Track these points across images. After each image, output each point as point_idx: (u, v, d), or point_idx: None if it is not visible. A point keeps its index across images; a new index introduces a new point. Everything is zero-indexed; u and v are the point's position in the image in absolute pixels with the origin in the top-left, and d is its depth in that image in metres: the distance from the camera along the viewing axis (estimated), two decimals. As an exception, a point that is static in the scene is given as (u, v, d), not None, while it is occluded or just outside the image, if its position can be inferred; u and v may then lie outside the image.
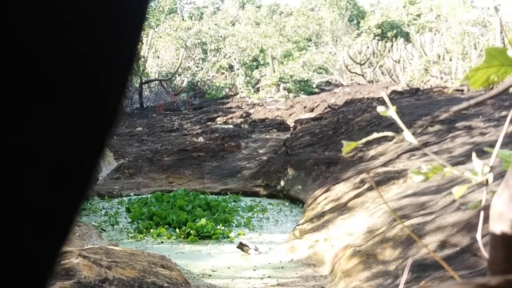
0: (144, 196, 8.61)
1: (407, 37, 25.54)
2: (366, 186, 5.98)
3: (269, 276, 4.80)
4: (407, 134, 1.37)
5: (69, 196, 0.31)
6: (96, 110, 0.31)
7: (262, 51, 23.90)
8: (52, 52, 0.28)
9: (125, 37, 0.32)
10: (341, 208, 5.78)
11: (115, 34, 0.31)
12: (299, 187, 8.32)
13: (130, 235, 6.54)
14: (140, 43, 0.34)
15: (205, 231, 6.42)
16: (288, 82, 19.44)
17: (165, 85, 19.78)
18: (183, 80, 20.36)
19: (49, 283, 0.32)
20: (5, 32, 0.27)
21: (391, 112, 1.35)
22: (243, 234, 6.58)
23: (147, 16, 0.34)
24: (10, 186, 0.28)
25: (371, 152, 7.63)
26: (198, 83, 21.86)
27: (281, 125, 13.80)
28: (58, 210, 0.31)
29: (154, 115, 16.84)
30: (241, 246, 5.72)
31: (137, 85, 18.11)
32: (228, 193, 9.22)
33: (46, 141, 0.29)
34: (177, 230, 6.59)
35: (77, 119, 0.30)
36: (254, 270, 5.05)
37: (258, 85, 20.69)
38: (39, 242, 0.31)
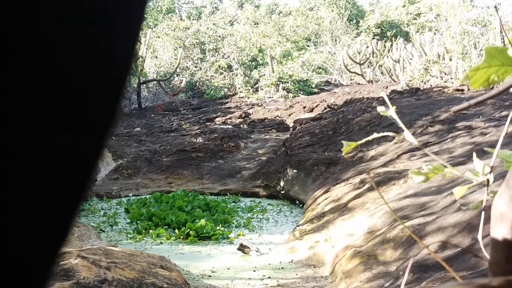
0: (143, 197, 8.60)
1: (406, 37, 25.51)
2: (366, 186, 5.97)
3: (269, 277, 4.80)
4: (407, 134, 1.36)
5: (68, 196, 0.31)
6: (95, 110, 0.31)
7: (261, 51, 23.89)
8: (49, 50, 0.28)
9: (124, 35, 0.32)
10: (342, 209, 5.77)
11: (114, 32, 0.31)
12: (299, 187, 8.32)
13: (129, 235, 6.54)
14: (138, 43, 0.33)
15: (204, 231, 6.41)
16: (287, 82, 19.42)
17: (163, 85, 19.77)
18: (182, 80, 20.33)
19: (48, 283, 0.32)
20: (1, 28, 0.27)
21: (391, 112, 1.34)
22: (243, 235, 6.58)
23: (145, 15, 0.34)
24: (9, 186, 0.28)
25: (371, 153, 7.62)
26: (197, 83, 21.83)
27: (280, 125, 13.79)
28: (57, 210, 0.31)
29: (152, 115, 16.83)
30: (242, 248, 5.71)
31: (135, 85, 18.10)
32: (228, 193, 9.22)
33: (44, 140, 0.29)
34: (176, 231, 6.59)
35: (75, 118, 0.30)
36: (254, 271, 5.05)
37: (257, 85, 20.66)
38: (38, 242, 0.30)
